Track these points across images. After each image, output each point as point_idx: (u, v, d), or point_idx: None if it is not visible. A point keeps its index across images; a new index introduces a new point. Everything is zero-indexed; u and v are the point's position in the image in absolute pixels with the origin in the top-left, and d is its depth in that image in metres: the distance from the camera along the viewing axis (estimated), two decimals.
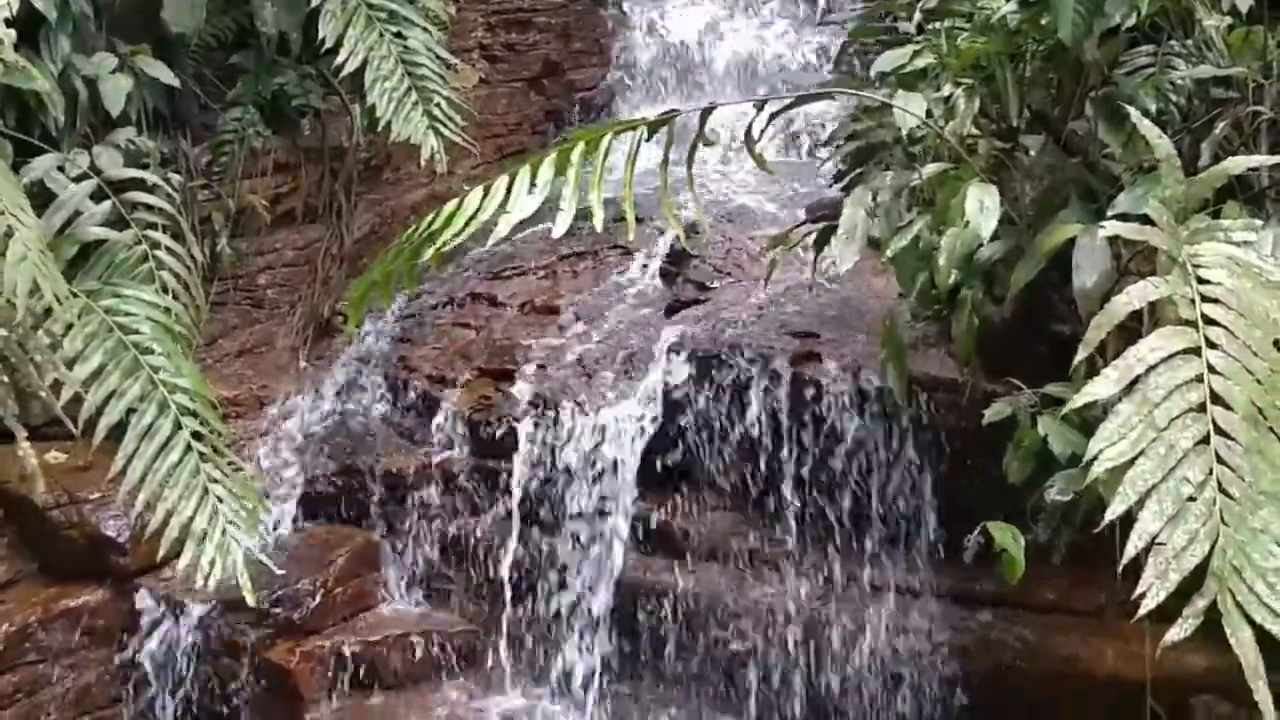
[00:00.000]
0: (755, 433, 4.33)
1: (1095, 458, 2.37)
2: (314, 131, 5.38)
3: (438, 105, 4.90)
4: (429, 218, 3.47)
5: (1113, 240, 3.10)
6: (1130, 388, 2.37)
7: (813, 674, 4.19)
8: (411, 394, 5.04)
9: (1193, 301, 2.48)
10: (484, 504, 4.79)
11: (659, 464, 4.49)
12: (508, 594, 4.63)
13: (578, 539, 4.52)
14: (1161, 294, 2.50)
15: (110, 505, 4.53)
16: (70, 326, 3.60)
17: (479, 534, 4.77)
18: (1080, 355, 2.50)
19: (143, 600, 4.52)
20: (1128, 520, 2.34)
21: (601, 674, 4.47)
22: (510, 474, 4.66)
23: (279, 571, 4.26)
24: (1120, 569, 3.39)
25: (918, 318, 4.12)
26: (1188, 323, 2.44)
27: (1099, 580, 3.73)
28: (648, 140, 3.43)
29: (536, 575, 4.61)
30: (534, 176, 3.31)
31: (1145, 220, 2.74)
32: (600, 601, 4.47)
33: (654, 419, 4.49)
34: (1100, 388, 2.38)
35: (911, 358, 3.99)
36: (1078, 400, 2.41)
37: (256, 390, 5.14)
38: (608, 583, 4.47)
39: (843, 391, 4.17)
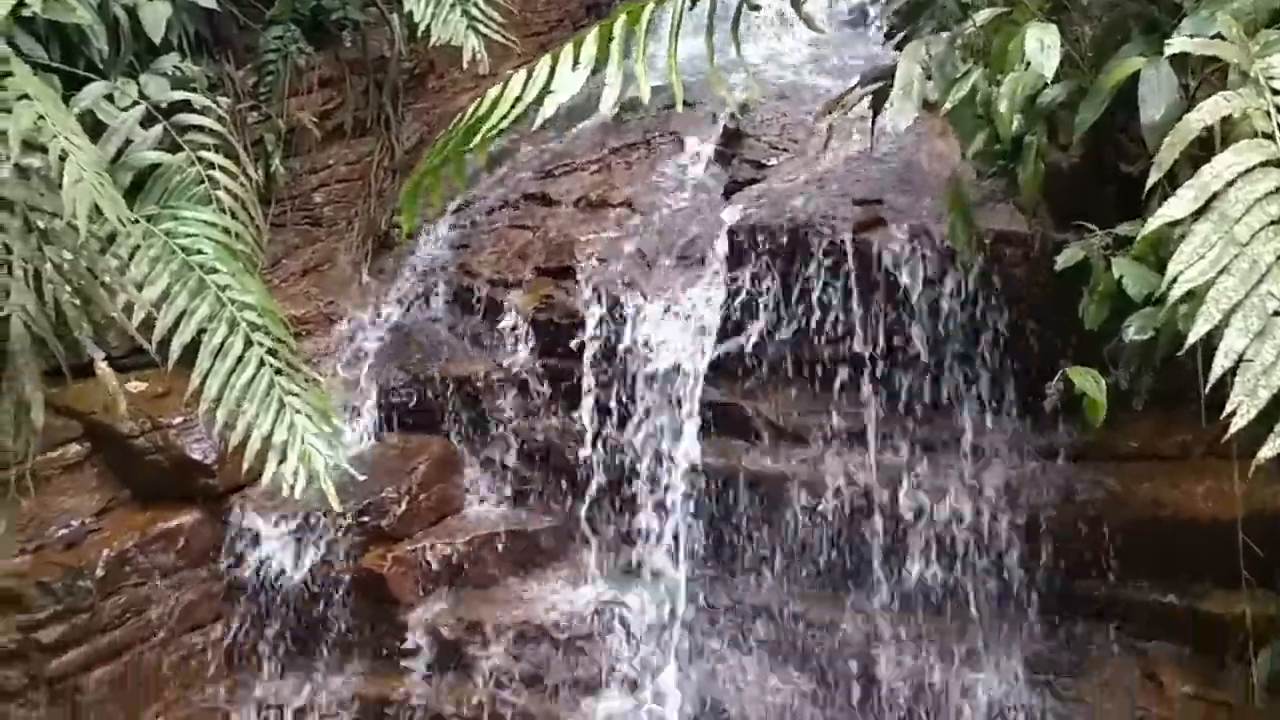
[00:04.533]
0: (823, 307, 4.27)
1: (1174, 282, 2.31)
2: (355, 44, 5.36)
3: (475, 4, 4.84)
4: (474, 106, 3.46)
5: (1180, 71, 3.00)
6: (1207, 206, 2.30)
7: (894, 542, 4.18)
8: (474, 299, 5.05)
9: (1268, 114, 2.39)
10: (555, 402, 4.82)
11: (727, 347, 4.46)
12: (586, 488, 4.66)
13: (651, 429, 4.52)
14: (1235, 109, 2.41)
15: (193, 429, 4.64)
16: (135, 250, 3.63)
17: (553, 432, 4.80)
18: (1152, 178, 2.42)
19: (235, 518, 4.63)
20: (1209, 353, 2.29)
21: (683, 559, 4.50)
22: (579, 370, 4.66)
23: (361, 478, 4.31)
24: (1205, 409, 3.37)
25: (981, 175, 4.04)
26: (1264, 136, 2.36)
27: (1182, 423, 3.70)
28: (690, 8, 3.37)
29: (613, 468, 4.63)
30: (577, 55, 3.27)
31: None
32: (678, 489, 4.48)
33: (719, 302, 4.45)
34: (1176, 208, 2.31)
35: (978, 214, 3.91)
36: (1153, 223, 2.34)
37: (324, 308, 5.19)
38: (684, 470, 4.47)
39: (911, 255, 4.10)
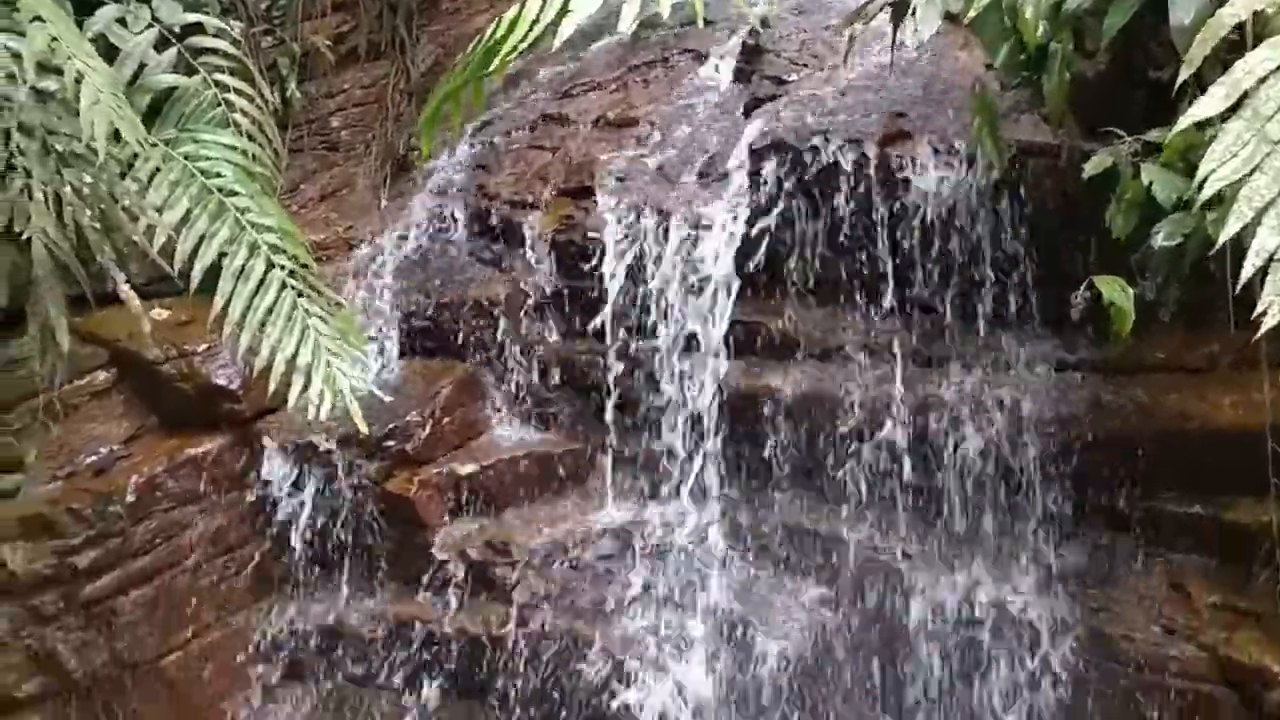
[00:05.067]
0: (848, 221, 4.23)
1: (1205, 182, 2.27)
2: None
3: None
4: (491, 28, 3.41)
5: None
6: (1239, 103, 2.26)
7: (919, 457, 4.17)
8: (494, 221, 5.02)
9: None
10: (578, 323, 4.81)
11: (751, 264, 4.43)
12: (610, 410, 4.66)
13: (674, 348, 4.51)
14: (1269, 2, 2.35)
15: (217, 356, 4.67)
16: (155, 173, 3.62)
17: (575, 354, 4.81)
18: (1182, 76, 2.37)
19: (261, 443, 4.66)
20: (1238, 258, 2.26)
21: (709, 479, 4.51)
22: (600, 291, 4.64)
23: (387, 400, 4.33)
24: (1233, 316, 3.34)
25: (1005, 86, 3.98)
26: None
27: (1209, 334, 3.67)
28: None
29: (636, 389, 4.62)
30: None
31: None
32: (702, 408, 4.48)
33: (742, 219, 4.40)
34: (1207, 106, 2.27)
35: (1003, 126, 3.86)
36: (1184, 121, 2.30)
37: (343, 232, 5.18)
38: (708, 389, 4.47)
39: (936, 167, 4.04)
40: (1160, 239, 3.10)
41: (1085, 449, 3.87)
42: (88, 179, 3.16)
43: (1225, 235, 2.21)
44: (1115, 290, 3.17)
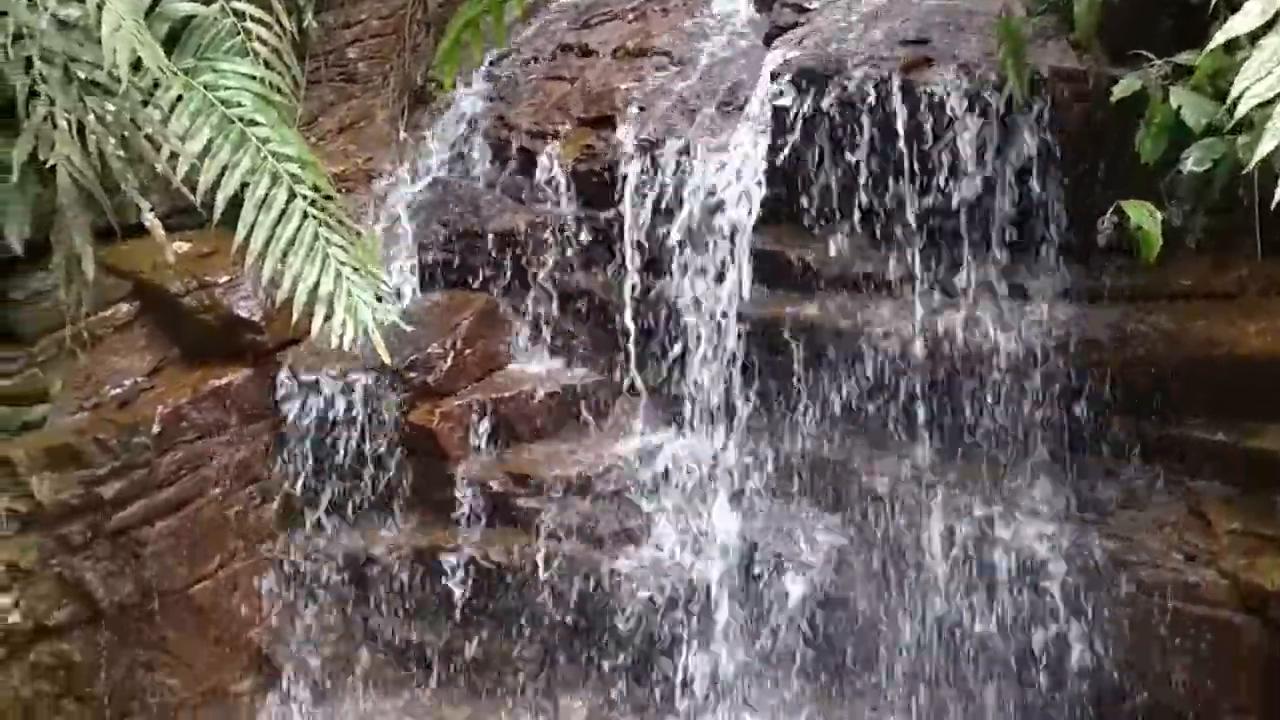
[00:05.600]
0: (871, 150, 4.19)
1: (1239, 100, 2.24)
2: None
3: None
4: None
5: None
6: (1275, 20, 2.22)
7: (940, 388, 4.17)
8: (513, 152, 5.00)
9: None
10: (598, 255, 4.81)
11: (773, 193, 4.40)
12: (631, 341, 4.67)
13: (696, 278, 4.50)
14: None
15: (239, 287, 4.67)
16: (176, 102, 3.60)
17: (596, 285, 4.81)
18: None
19: (284, 375, 4.68)
20: (1267, 183, 2.24)
21: (731, 410, 4.52)
22: (621, 221, 4.63)
23: (408, 329, 4.33)
24: (1261, 242, 3.32)
25: (1031, 12, 3.94)
26: None
27: (1237, 260, 3.65)
28: None
29: (658, 319, 4.63)
30: None
31: None
32: (724, 338, 4.47)
33: (763, 148, 4.37)
34: (1242, 23, 2.24)
35: (1030, 52, 3.81)
36: (1219, 38, 2.27)
37: (361, 165, 5.16)
38: (730, 320, 4.46)
39: (960, 94, 4.00)
40: (1189, 164, 3.07)
41: (1109, 376, 3.87)
42: (110, 107, 3.15)
43: (1259, 154, 2.18)
44: (1143, 214, 3.15)
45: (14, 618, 4.21)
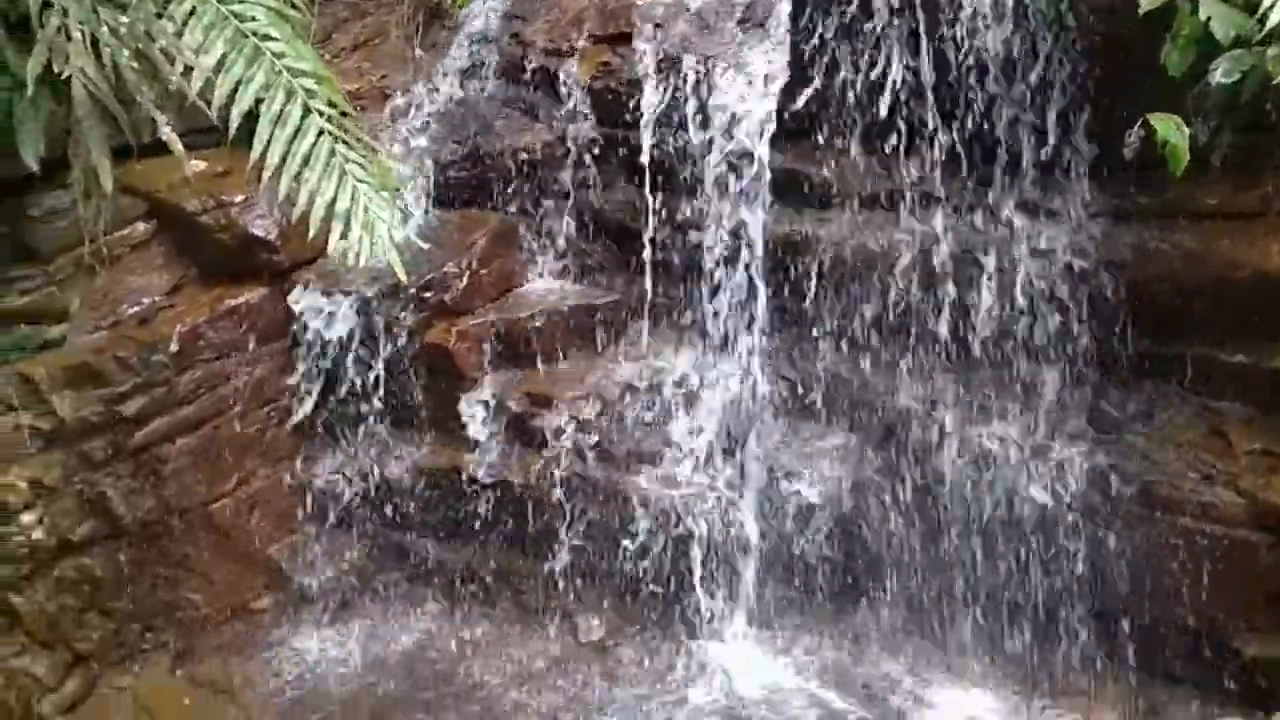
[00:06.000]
0: (891, 65, 4.12)
1: (1271, 9, 2.20)
2: None
3: None
4: None
5: None
6: None
7: (961, 307, 4.14)
8: (529, 69, 4.93)
9: None
10: (616, 173, 4.77)
11: (793, 110, 4.34)
12: (648, 260, 4.64)
13: (714, 197, 4.45)
14: None
15: (255, 206, 4.65)
16: (189, 16, 3.56)
17: (613, 203, 4.78)
18: None
19: (301, 294, 4.68)
20: None
21: (750, 329, 4.50)
22: (638, 139, 4.57)
23: (424, 246, 4.31)
24: None
25: None
26: None
27: (1262, 179, 3.61)
28: None
29: (675, 239, 4.60)
30: None
31: None
32: (743, 258, 4.44)
33: (783, 64, 4.30)
34: None
35: None
36: None
37: (376, 82, 5.11)
38: (749, 239, 4.42)
39: (984, 8, 3.91)
40: (1217, 75, 3.02)
41: (1132, 296, 3.84)
42: (124, 19, 3.11)
43: None
44: (1170, 128, 3.10)
45: (38, 534, 4.26)
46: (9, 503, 4.19)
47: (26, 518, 4.22)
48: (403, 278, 3.93)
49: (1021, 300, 3.98)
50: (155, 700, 4.44)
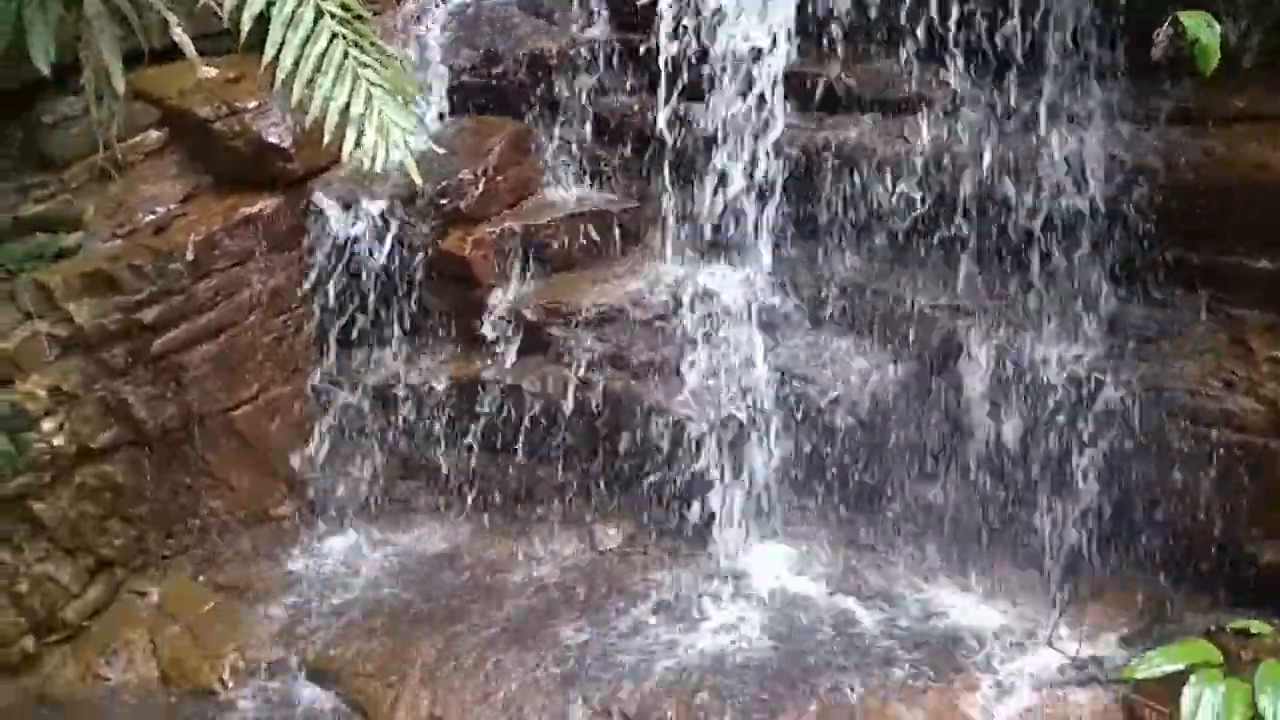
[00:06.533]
0: None
1: None
2: None
3: None
4: None
5: None
6: None
7: (981, 212, 4.09)
8: None
9: None
10: (633, 79, 4.70)
11: (811, 11, 4.26)
12: (666, 167, 4.59)
13: (731, 102, 4.39)
14: None
15: (269, 113, 4.62)
16: None
17: (630, 109, 4.72)
18: None
19: (316, 202, 4.65)
20: None
21: (767, 237, 4.47)
22: (655, 43, 4.50)
23: (440, 152, 4.27)
24: None
25: None
26: None
27: None
28: None
29: (692, 144, 4.54)
30: None
31: None
32: (759, 163, 4.39)
33: None
34: None
35: None
36: None
37: None
38: (765, 143, 4.37)
39: None
40: None
41: (1157, 201, 3.78)
42: None
43: None
44: (1200, 25, 3.03)
45: (59, 440, 4.29)
46: (29, 410, 4.22)
47: (47, 424, 4.25)
48: (418, 181, 3.88)
49: (1046, 206, 3.93)
50: (177, 605, 4.50)
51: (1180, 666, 2.86)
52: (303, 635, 4.32)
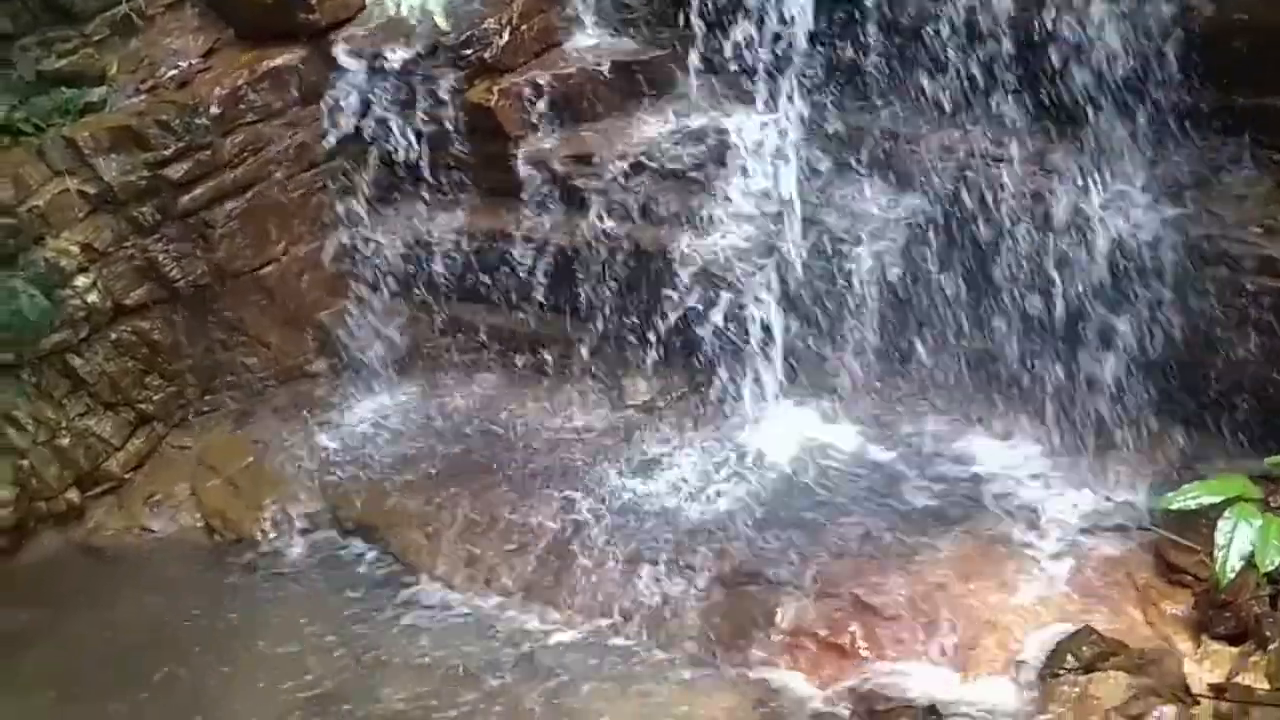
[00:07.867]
0: None
1: None
2: None
3: None
4: None
5: None
6: None
7: (1021, 58, 3.96)
8: None
9: None
10: None
11: None
12: (694, 12, 4.45)
13: None
14: None
15: None
16: None
17: None
18: None
19: (340, 54, 4.58)
20: None
21: (800, 84, 4.35)
22: None
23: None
24: None
25: None
26: None
27: None
28: None
29: None
30: None
31: None
32: (790, 4, 4.25)
33: None
34: None
35: None
36: None
37: None
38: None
39: None
40: None
41: (1203, 43, 3.65)
42: None
43: None
44: None
45: (92, 296, 4.34)
46: (63, 266, 4.25)
47: (80, 281, 4.29)
48: (444, 26, 3.82)
49: (1085, 48, 3.80)
50: (216, 456, 4.60)
51: (1217, 499, 2.82)
52: (340, 488, 4.40)
